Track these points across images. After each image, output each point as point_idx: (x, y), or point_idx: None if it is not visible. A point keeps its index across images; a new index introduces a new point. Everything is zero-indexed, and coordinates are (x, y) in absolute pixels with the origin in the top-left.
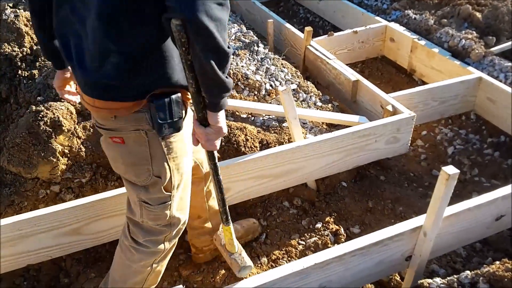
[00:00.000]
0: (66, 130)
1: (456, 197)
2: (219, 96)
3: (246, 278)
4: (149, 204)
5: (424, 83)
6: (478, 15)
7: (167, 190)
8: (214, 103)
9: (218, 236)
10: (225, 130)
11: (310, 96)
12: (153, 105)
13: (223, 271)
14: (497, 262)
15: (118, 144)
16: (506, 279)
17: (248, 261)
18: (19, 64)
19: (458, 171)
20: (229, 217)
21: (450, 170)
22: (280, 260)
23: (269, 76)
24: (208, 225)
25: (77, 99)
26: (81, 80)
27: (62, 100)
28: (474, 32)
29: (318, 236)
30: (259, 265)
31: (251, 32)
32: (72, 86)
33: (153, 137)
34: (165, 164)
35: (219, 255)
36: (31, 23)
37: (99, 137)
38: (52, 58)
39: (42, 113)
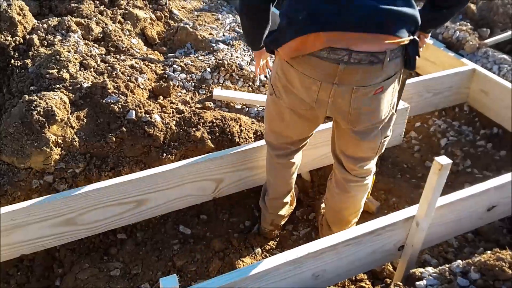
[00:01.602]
0: (59, 120)
1: (449, 188)
2: None
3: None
4: (387, 135)
5: (418, 74)
6: (473, 7)
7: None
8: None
9: None
10: None
11: None
12: (413, 45)
13: (217, 261)
14: (489, 252)
15: (379, 94)
16: (497, 268)
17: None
18: (12, 53)
19: (451, 161)
20: None
21: (443, 160)
22: (274, 250)
23: None
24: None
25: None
26: (366, 20)
27: (55, 90)
28: (468, 24)
29: (311, 227)
30: (253, 255)
31: None
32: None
33: (399, 75)
34: (396, 96)
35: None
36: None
37: (93, 126)
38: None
39: (35, 102)
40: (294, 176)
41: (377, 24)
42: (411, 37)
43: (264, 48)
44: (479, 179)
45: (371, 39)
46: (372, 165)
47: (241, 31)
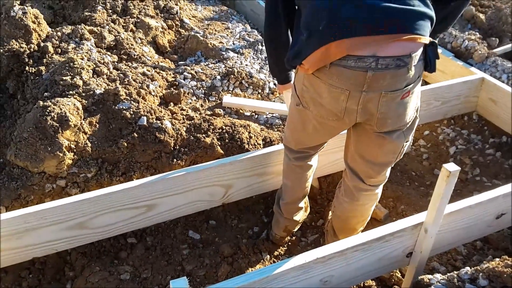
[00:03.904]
0: (72, 126)
1: (458, 196)
2: None
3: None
4: (409, 140)
5: (426, 83)
6: (482, 16)
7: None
8: None
9: None
10: None
11: None
12: (433, 47)
13: (226, 266)
14: (497, 259)
15: (406, 98)
16: (505, 275)
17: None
18: (27, 60)
19: (459, 168)
20: None
21: (451, 167)
22: (282, 256)
23: None
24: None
25: None
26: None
27: (69, 96)
28: (477, 33)
29: (320, 233)
30: (262, 261)
31: (256, 32)
32: None
33: (421, 78)
34: (419, 99)
35: None
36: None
37: (105, 132)
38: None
39: (49, 108)
40: (310, 180)
41: (400, 25)
42: (431, 39)
43: (288, 81)
44: (488, 187)
45: (396, 42)
46: (387, 174)
47: (251, 39)
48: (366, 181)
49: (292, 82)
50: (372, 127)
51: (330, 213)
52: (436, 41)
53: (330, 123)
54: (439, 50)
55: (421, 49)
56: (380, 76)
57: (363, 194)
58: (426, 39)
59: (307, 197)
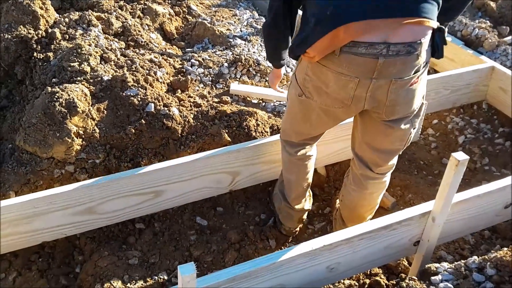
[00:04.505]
0: (81, 112)
1: (466, 185)
2: None
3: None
4: (416, 127)
5: (435, 71)
6: (492, 4)
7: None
8: None
9: None
10: None
11: None
12: (440, 33)
13: (233, 252)
14: (505, 249)
15: (415, 85)
16: None
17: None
18: (35, 46)
19: (468, 157)
20: None
21: (460, 156)
22: (289, 243)
23: None
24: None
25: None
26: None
27: (77, 82)
28: (487, 21)
29: (326, 221)
30: (268, 247)
31: (263, 19)
32: None
33: (428, 64)
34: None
35: None
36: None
37: (113, 118)
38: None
39: (57, 94)
40: (312, 170)
41: (407, 8)
42: (439, 24)
43: (284, 64)
44: (497, 177)
45: (405, 26)
46: (395, 161)
47: (258, 26)
48: (373, 169)
49: (282, 69)
50: (380, 115)
51: (337, 201)
52: (445, 29)
53: (335, 110)
54: (449, 39)
55: (429, 35)
56: (391, 62)
57: (371, 182)
58: (434, 24)
59: None
